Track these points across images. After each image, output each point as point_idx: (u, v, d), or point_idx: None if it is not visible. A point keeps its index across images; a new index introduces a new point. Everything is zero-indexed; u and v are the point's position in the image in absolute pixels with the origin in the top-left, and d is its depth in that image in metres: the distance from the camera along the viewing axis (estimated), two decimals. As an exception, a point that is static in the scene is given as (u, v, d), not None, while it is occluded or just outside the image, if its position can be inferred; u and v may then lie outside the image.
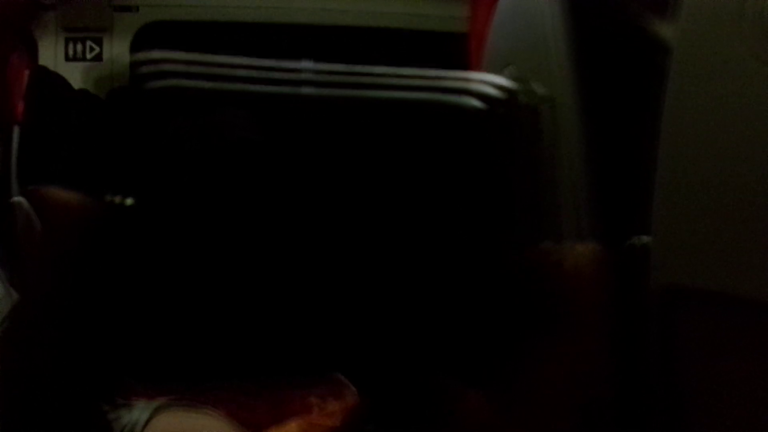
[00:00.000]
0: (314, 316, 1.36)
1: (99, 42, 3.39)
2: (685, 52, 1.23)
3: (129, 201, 1.16)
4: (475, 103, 1.19)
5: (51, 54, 3.35)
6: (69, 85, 2.46)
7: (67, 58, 3.35)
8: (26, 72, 1.83)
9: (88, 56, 3.38)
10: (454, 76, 1.30)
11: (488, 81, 1.22)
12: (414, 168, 1.23)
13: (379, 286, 1.32)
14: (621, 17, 1.67)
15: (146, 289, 1.31)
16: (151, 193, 1.19)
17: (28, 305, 1.20)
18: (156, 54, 1.07)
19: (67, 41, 3.36)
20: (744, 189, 1.11)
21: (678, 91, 1.23)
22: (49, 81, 2.25)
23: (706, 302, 1.18)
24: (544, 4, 1.62)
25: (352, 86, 1.15)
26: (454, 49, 2.50)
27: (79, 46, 3.39)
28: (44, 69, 2.50)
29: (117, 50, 3.39)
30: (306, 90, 1.14)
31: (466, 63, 2.38)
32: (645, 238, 1.31)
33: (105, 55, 3.40)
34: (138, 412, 1.29)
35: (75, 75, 2.73)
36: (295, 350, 1.39)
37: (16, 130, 1.64)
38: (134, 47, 3.46)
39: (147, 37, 3.44)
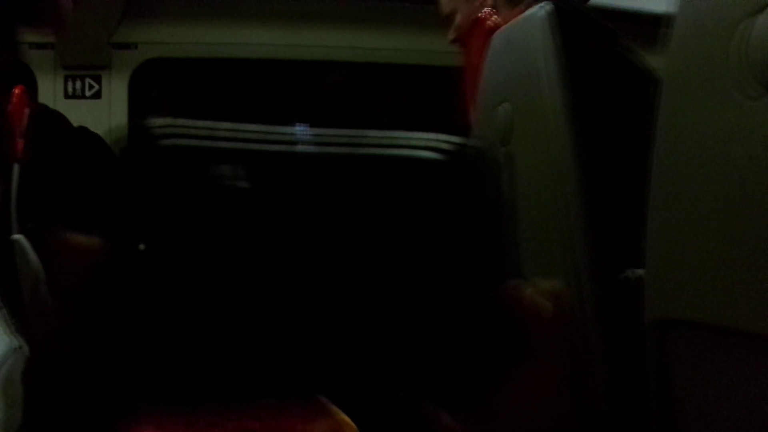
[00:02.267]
0: (300, 340, 1.44)
1: (98, 79, 3.42)
2: (674, 86, 1.25)
3: (141, 246, 1.23)
4: (437, 156, 1.35)
5: (50, 91, 3.38)
6: (68, 123, 2.48)
7: (66, 96, 3.38)
8: (26, 110, 1.86)
9: (87, 94, 3.41)
10: (417, 137, 1.45)
11: (446, 140, 1.41)
12: (390, 212, 1.36)
13: (360, 317, 1.41)
14: (612, 51, 1.70)
15: (148, 326, 1.35)
16: (156, 237, 1.26)
17: (32, 347, 1.21)
18: (170, 121, 1.21)
19: (66, 79, 3.39)
20: (736, 220, 1.12)
21: (668, 123, 1.25)
22: (48, 118, 2.27)
23: (701, 335, 1.18)
24: (537, 39, 1.65)
25: (340, 145, 1.30)
26: (449, 84, 2.53)
27: (78, 84, 3.41)
28: (44, 107, 2.52)
29: (116, 87, 3.42)
30: (299, 149, 1.28)
31: (461, 97, 2.41)
32: (639, 272, 1.32)
33: (104, 93, 3.43)
34: None
35: (74, 112, 2.75)
36: (282, 370, 1.45)
37: (15, 168, 1.65)
38: (133, 84, 3.50)
39: (145, 74, 3.48)
